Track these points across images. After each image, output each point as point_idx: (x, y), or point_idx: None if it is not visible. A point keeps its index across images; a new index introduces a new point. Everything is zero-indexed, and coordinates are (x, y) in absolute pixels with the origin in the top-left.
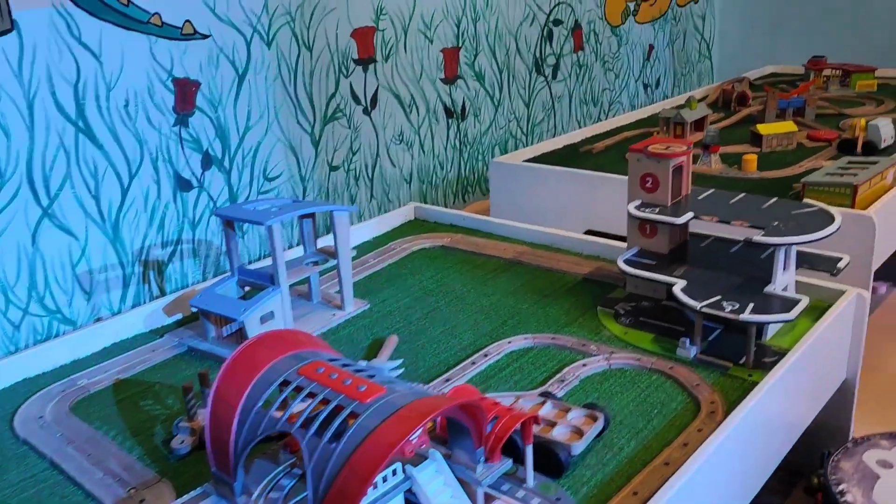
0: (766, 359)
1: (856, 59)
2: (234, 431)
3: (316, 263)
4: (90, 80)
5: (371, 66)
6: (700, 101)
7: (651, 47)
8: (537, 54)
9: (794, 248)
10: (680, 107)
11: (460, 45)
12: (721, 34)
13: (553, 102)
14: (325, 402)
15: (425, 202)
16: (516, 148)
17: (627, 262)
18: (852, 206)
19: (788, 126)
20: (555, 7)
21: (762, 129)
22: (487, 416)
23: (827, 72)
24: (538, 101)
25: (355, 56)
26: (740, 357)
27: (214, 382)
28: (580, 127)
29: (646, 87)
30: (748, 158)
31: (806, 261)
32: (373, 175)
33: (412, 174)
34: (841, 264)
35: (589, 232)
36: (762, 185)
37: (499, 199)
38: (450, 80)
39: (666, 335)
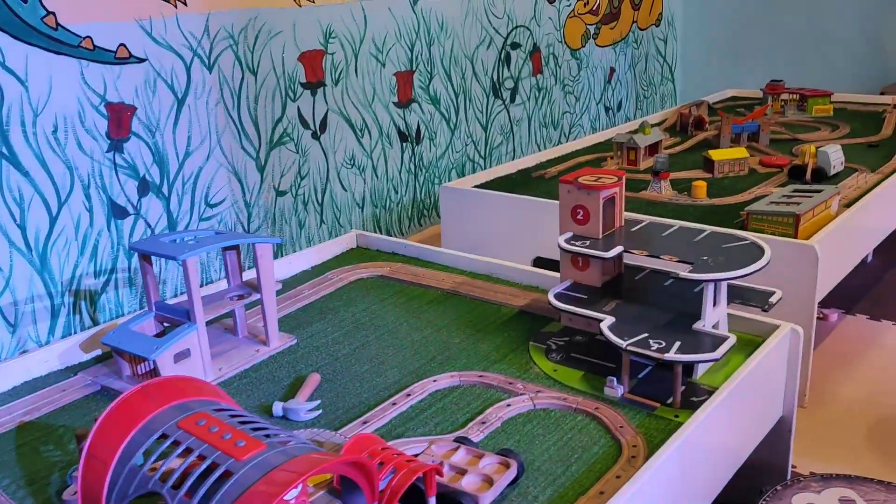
0: (695, 398)
1: (816, 83)
2: (105, 491)
3: (240, 297)
4: (15, 105)
5: (320, 90)
6: (657, 125)
7: (612, 70)
8: (495, 78)
9: (725, 283)
10: (634, 132)
11: (414, 68)
12: (683, 57)
13: (511, 126)
14: (202, 458)
15: (379, 226)
16: (474, 171)
17: (559, 296)
18: (795, 236)
19: (740, 152)
20: (513, 31)
21: (714, 154)
22: (382, 470)
23: (784, 96)
24: (496, 124)
25: (303, 80)
26: (670, 396)
27: (87, 438)
28: (540, 150)
29: (607, 109)
30: (697, 185)
31: (739, 295)
32: (322, 200)
33: (364, 198)
34: (773, 299)
35: (538, 259)
36: (711, 211)
37: (449, 225)
38: (404, 103)
39: (596, 372)
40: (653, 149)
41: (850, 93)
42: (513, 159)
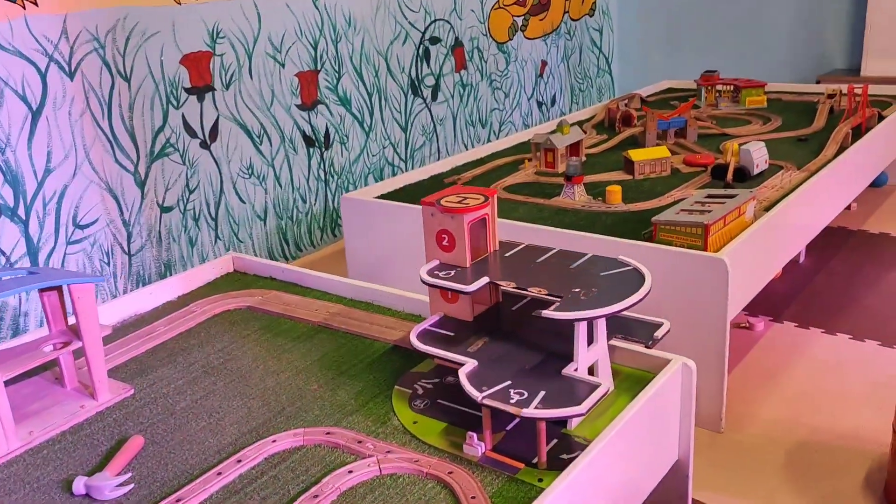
0: (566, 454)
1: (754, 73)
2: None
3: (65, 344)
4: None
5: (208, 95)
6: (587, 121)
7: (544, 63)
8: (413, 75)
9: (602, 319)
10: (553, 131)
11: (319, 67)
12: (620, 48)
13: (435, 125)
14: None
15: (286, 239)
16: (394, 174)
17: (423, 333)
18: (704, 248)
19: (661, 151)
20: (431, 24)
21: (634, 154)
22: None
23: (719, 87)
24: (417, 124)
25: (187, 84)
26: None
27: None
28: (467, 149)
29: (540, 104)
30: (611, 190)
31: (621, 327)
32: (217, 214)
33: (267, 210)
34: (659, 333)
35: None
36: (625, 219)
37: (352, 240)
38: (308, 105)
39: (461, 424)
40: (574, 149)
41: (787, 82)
42: (438, 160)
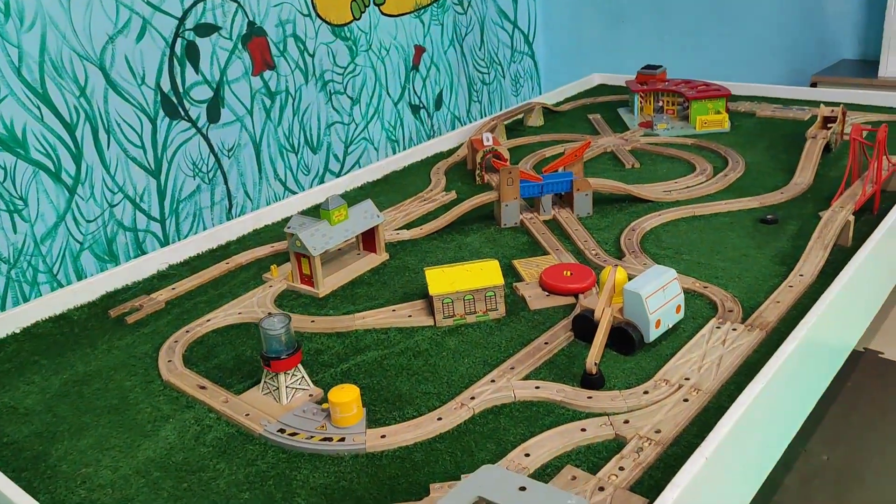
0: None
1: (723, 68)
2: None
3: None
4: None
5: None
6: (448, 154)
7: (420, 49)
8: (166, 87)
9: None
10: (334, 207)
11: None
12: (547, 19)
13: (218, 159)
14: None
15: None
16: (138, 245)
17: None
18: None
19: (483, 274)
20: (194, 6)
21: (430, 276)
22: None
23: (662, 93)
24: (181, 160)
25: None
26: None
27: None
28: (285, 187)
29: (416, 109)
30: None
31: None
32: None
33: None
34: None
35: None
36: None
37: None
38: None
39: None
40: (368, 241)
41: (769, 83)
42: (224, 220)
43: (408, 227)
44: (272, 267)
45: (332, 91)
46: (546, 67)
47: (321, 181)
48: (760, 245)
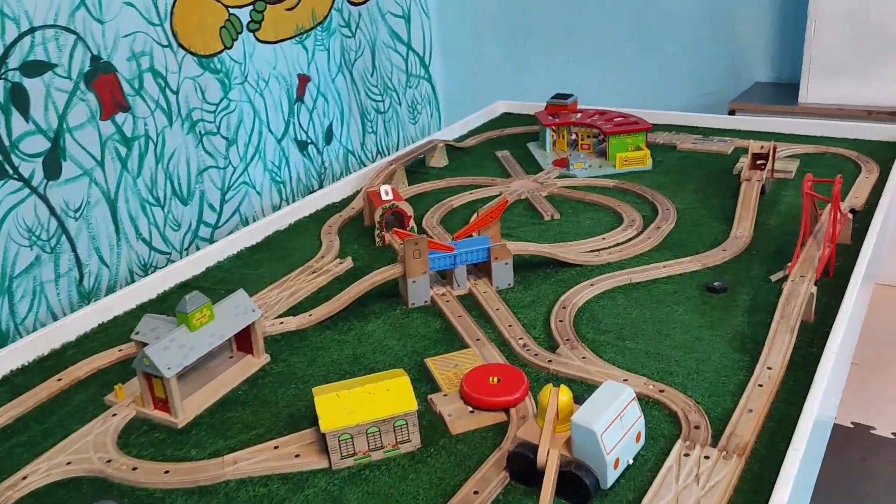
0: None
1: (647, 94)
2: None
3: None
4: None
5: None
6: (345, 203)
7: (304, 79)
8: None
9: None
10: (188, 312)
11: None
12: (442, 40)
13: (61, 221)
14: None
15: None
16: None
17: None
18: None
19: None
20: (20, 39)
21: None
22: None
23: (574, 128)
24: (12, 224)
25: None
26: None
27: None
28: (141, 275)
29: (303, 146)
30: None
31: None
32: None
33: None
34: None
35: None
36: None
37: None
38: None
39: None
40: (243, 345)
41: (685, 107)
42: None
43: (294, 311)
44: (116, 387)
45: (203, 132)
46: (445, 91)
47: (195, 236)
48: (713, 324)
